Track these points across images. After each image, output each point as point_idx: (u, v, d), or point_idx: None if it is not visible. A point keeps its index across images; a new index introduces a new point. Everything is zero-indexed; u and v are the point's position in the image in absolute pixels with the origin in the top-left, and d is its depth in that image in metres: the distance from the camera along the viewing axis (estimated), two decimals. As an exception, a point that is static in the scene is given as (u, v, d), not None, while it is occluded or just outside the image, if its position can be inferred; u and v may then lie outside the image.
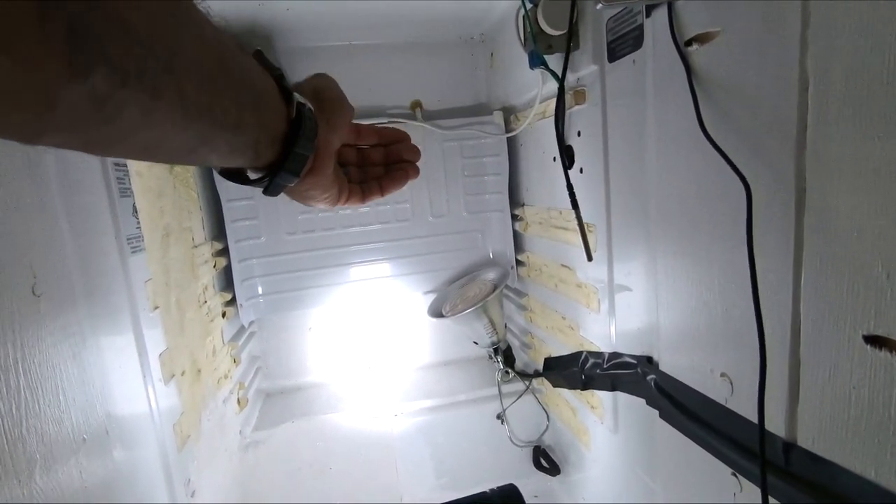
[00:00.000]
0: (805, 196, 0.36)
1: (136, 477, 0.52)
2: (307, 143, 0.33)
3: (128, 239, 0.55)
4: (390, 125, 0.49)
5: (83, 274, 0.46)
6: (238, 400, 0.91)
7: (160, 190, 0.68)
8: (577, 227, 0.60)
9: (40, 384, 0.38)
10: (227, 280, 0.95)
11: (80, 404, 0.42)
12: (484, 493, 0.50)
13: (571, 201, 0.58)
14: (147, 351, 0.57)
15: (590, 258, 0.60)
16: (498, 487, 0.51)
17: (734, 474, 0.47)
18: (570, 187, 0.57)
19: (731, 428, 0.47)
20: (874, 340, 0.33)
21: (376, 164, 0.45)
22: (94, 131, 0.18)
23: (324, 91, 0.37)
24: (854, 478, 0.35)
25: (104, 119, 0.17)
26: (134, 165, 0.59)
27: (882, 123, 0.30)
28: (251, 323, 1.01)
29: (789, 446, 0.40)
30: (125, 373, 0.52)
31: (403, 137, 0.46)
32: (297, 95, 0.33)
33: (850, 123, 0.32)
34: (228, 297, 0.92)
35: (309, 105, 0.34)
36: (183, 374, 0.68)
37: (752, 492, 0.45)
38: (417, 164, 0.46)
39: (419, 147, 0.46)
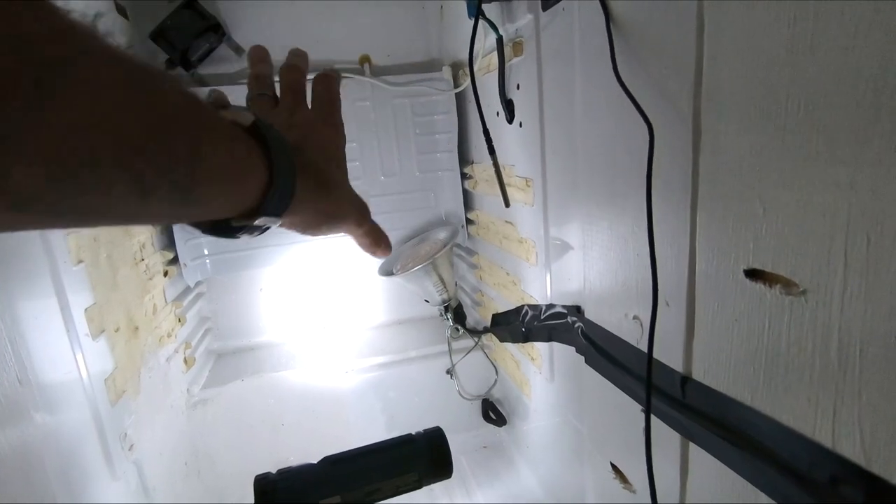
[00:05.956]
0: (701, 138, 0.37)
1: (60, 428, 0.51)
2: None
3: (41, 189, 0.53)
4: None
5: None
6: (185, 359, 0.91)
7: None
8: (515, 181, 0.61)
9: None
10: (168, 238, 0.92)
11: (-17, 352, 0.41)
12: (409, 434, 0.51)
13: (488, 147, 0.58)
14: (70, 304, 0.56)
15: (507, 204, 0.61)
16: (424, 430, 0.52)
17: (643, 410, 0.50)
18: (486, 132, 0.57)
19: (641, 367, 0.49)
20: (752, 274, 0.34)
21: None
22: None
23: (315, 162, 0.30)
24: (735, 405, 0.38)
25: None
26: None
27: (765, 57, 0.31)
28: (198, 284, 1.00)
29: (685, 380, 0.43)
30: (42, 323, 0.51)
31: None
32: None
33: (739, 59, 0.33)
34: (170, 255, 0.90)
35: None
36: (117, 330, 0.67)
37: (657, 425, 0.48)
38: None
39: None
